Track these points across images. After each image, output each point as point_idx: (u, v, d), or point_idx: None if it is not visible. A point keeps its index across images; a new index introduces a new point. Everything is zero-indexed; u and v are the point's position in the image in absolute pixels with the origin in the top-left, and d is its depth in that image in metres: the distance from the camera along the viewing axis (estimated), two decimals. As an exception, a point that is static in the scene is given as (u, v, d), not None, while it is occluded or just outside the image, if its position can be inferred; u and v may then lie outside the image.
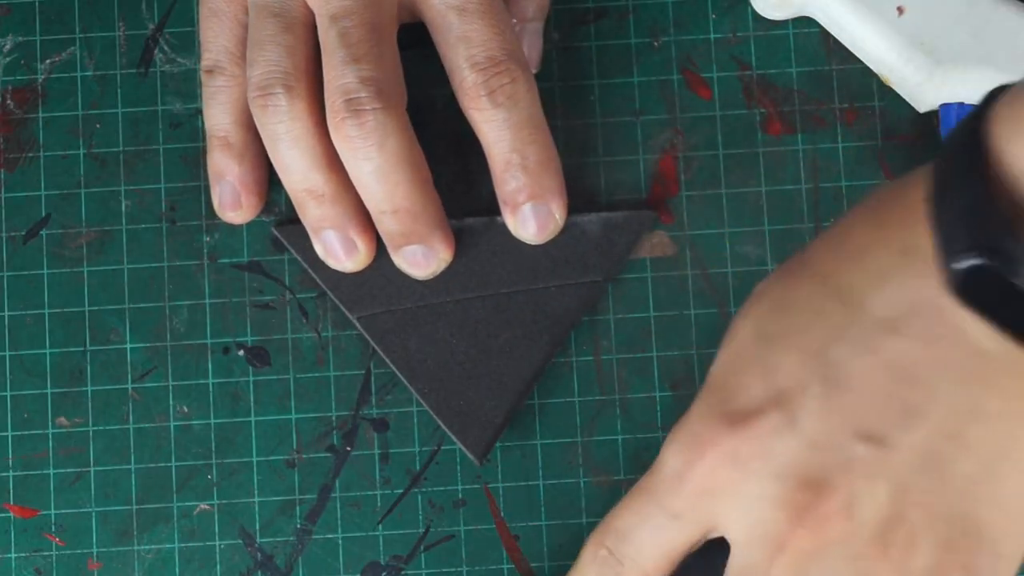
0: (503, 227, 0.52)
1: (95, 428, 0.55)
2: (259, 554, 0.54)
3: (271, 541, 0.54)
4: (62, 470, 0.55)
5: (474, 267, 0.49)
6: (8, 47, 0.57)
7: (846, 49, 0.56)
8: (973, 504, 0.39)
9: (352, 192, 0.51)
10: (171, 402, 0.55)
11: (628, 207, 0.55)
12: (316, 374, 0.55)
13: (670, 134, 0.56)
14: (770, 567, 0.41)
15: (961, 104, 0.53)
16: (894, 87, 0.47)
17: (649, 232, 0.44)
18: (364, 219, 0.52)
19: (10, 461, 0.55)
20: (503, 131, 0.50)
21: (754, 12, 0.57)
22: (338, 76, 0.48)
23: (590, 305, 0.47)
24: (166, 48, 0.57)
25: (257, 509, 0.54)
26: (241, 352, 0.55)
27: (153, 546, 0.54)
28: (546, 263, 0.48)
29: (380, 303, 0.48)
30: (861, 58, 0.47)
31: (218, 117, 0.53)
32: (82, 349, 0.55)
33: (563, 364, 0.55)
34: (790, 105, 0.56)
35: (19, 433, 0.55)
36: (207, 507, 0.54)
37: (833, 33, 0.56)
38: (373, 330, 0.48)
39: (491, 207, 0.53)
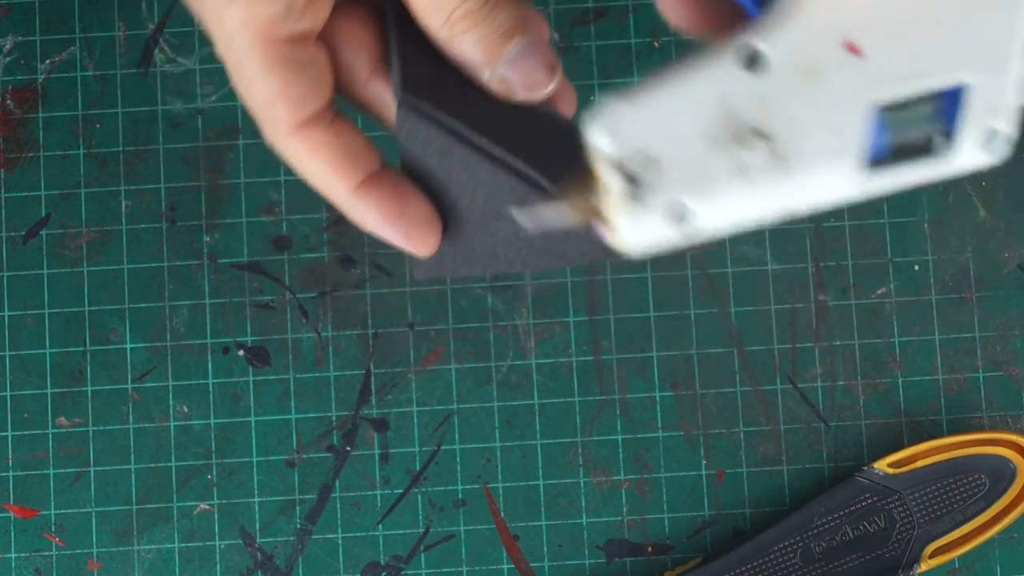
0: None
1: (95, 428, 0.55)
2: (259, 554, 0.54)
3: (271, 541, 0.54)
4: (62, 470, 0.55)
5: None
6: (8, 47, 0.57)
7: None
8: None
9: None
10: (171, 402, 0.55)
11: None
12: (316, 374, 0.55)
13: (670, 134, 0.56)
14: None
15: None
16: None
17: None
18: None
19: (10, 461, 0.55)
20: None
21: (754, 12, 0.57)
22: None
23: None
24: (166, 48, 0.57)
25: (257, 509, 0.54)
26: (241, 352, 0.55)
27: (153, 546, 0.54)
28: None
29: (433, 103, 0.45)
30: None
31: None
32: (82, 349, 0.55)
33: (563, 364, 0.55)
34: (790, 105, 0.56)
35: (19, 433, 0.55)
36: (207, 507, 0.54)
37: None
38: (407, 124, 0.45)
39: None
